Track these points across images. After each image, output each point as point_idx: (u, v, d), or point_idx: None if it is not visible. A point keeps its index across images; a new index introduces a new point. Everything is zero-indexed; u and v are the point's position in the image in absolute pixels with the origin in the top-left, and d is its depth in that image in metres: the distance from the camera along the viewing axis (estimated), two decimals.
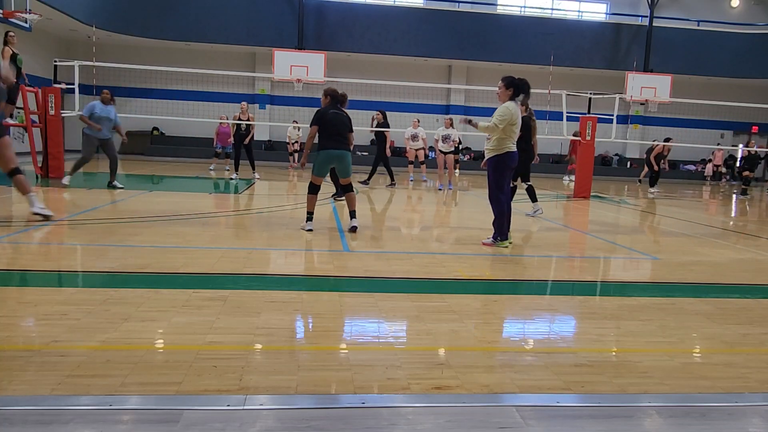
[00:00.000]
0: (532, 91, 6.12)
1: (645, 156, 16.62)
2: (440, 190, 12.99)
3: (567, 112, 12.71)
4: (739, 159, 21.32)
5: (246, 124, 12.82)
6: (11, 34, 10.24)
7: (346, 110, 6.74)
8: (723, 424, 2.37)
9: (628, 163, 23.91)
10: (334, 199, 9.49)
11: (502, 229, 6.11)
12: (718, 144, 23.71)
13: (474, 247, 6.07)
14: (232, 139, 13.96)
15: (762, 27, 22.36)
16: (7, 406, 2.23)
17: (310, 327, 3.43)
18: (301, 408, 2.33)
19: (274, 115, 22.13)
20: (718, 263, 5.93)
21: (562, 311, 4.00)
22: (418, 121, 14.69)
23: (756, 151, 17.39)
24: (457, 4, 21.58)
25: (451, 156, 13.17)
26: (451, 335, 3.29)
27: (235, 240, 6.09)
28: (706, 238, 7.60)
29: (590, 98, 13.75)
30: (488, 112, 6.07)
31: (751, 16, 23.41)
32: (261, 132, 22.46)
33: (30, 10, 11.39)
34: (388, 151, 13.19)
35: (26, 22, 11.52)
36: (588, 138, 12.55)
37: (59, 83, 11.61)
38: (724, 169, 23.39)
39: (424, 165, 15.37)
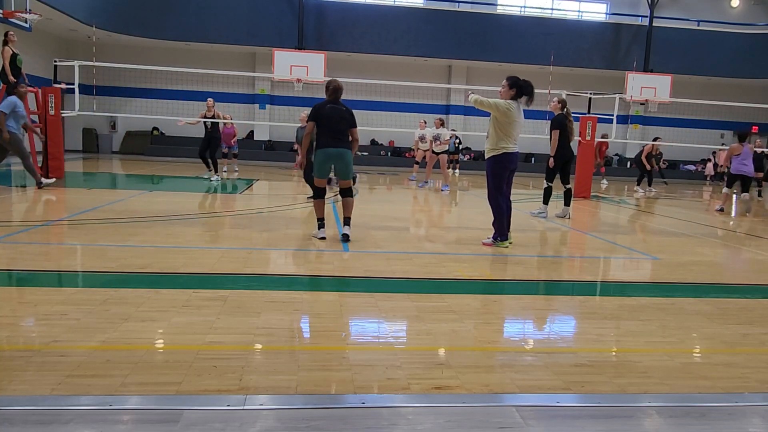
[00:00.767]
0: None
1: (635, 157, 16.61)
2: (421, 187, 13.35)
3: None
4: None
5: (212, 122, 12.34)
6: (11, 34, 10.23)
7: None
8: (723, 424, 2.37)
9: (628, 163, 23.88)
10: (308, 199, 9.06)
11: (502, 229, 6.11)
12: (723, 144, 23.68)
13: (474, 247, 6.07)
14: (235, 140, 13.83)
15: (762, 27, 22.35)
16: (7, 406, 2.23)
17: (310, 327, 3.43)
18: (301, 408, 2.33)
19: (274, 115, 22.13)
20: (718, 263, 5.93)
21: (562, 311, 4.01)
22: (425, 122, 14.73)
23: (764, 151, 17.36)
24: (457, 4, 21.56)
25: (444, 156, 13.19)
26: (451, 335, 3.29)
27: (235, 240, 6.09)
28: (706, 238, 7.60)
29: (590, 98, 13.75)
30: (488, 111, 6.05)
31: (751, 16, 23.40)
32: (261, 132, 22.49)
33: (30, 10, 11.37)
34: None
35: (26, 22, 11.51)
36: (588, 138, 12.58)
37: (59, 83, 11.61)
38: (726, 169, 23.27)
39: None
